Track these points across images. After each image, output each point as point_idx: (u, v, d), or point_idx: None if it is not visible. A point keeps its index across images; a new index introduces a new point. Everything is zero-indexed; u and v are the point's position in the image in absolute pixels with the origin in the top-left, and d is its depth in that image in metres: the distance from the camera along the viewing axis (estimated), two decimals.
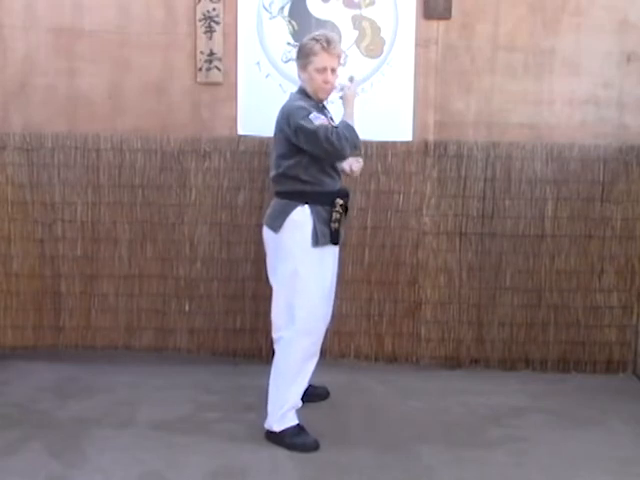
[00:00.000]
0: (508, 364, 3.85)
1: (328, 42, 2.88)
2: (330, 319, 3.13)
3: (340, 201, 2.94)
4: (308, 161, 2.87)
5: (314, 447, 2.87)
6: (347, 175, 3.23)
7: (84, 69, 3.68)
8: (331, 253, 2.97)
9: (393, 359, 3.88)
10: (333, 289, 3.08)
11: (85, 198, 3.76)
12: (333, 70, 2.92)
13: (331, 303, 3.10)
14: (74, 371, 3.64)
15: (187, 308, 3.84)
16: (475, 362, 3.86)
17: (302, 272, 2.87)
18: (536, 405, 3.38)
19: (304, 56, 2.93)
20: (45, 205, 3.76)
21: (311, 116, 2.80)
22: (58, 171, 3.75)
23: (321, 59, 2.88)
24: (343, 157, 2.90)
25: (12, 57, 3.67)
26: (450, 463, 2.78)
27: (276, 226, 2.92)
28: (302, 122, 2.78)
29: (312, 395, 3.25)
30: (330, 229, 2.91)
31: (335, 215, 2.92)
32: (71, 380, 3.53)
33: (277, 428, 2.91)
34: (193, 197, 3.78)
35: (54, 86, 3.69)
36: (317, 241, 2.88)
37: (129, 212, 3.78)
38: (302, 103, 2.89)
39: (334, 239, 2.93)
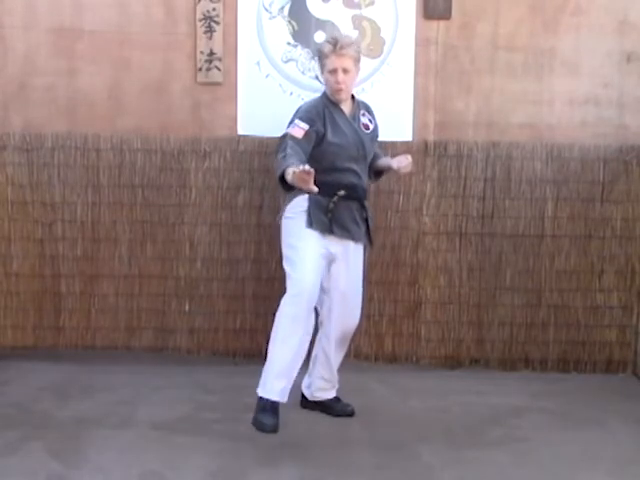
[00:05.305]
0: (508, 364, 3.85)
1: (336, 43, 2.97)
2: (359, 320, 3.18)
3: (342, 192, 2.99)
4: (318, 152, 2.97)
5: (268, 430, 2.92)
6: (395, 171, 3.14)
7: (84, 69, 3.68)
8: (334, 244, 3.01)
9: (393, 359, 3.88)
10: (347, 287, 3.10)
11: (85, 198, 3.76)
12: (345, 71, 2.98)
13: (350, 304, 3.13)
14: (74, 371, 3.64)
15: (187, 308, 3.84)
16: (475, 362, 3.86)
17: (294, 244, 2.99)
18: (536, 405, 3.38)
19: (319, 59, 3.09)
20: (45, 205, 3.76)
21: (295, 121, 2.99)
22: (58, 171, 3.74)
23: (331, 61, 2.99)
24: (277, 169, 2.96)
25: (12, 57, 3.67)
26: (450, 463, 2.77)
27: (282, 209, 3.11)
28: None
29: (337, 409, 3.19)
30: (327, 218, 2.98)
31: (330, 205, 2.98)
32: (71, 380, 3.53)
33: (259, 392, 2.99)
34: (193, 197, 3.78)
35: (54, 86, 3.69)
36: (311, 223, 2.96)
37: (129, 212, 3.78)
38: (308, 107, 3.06)
39: (329, 228, 2.99)
